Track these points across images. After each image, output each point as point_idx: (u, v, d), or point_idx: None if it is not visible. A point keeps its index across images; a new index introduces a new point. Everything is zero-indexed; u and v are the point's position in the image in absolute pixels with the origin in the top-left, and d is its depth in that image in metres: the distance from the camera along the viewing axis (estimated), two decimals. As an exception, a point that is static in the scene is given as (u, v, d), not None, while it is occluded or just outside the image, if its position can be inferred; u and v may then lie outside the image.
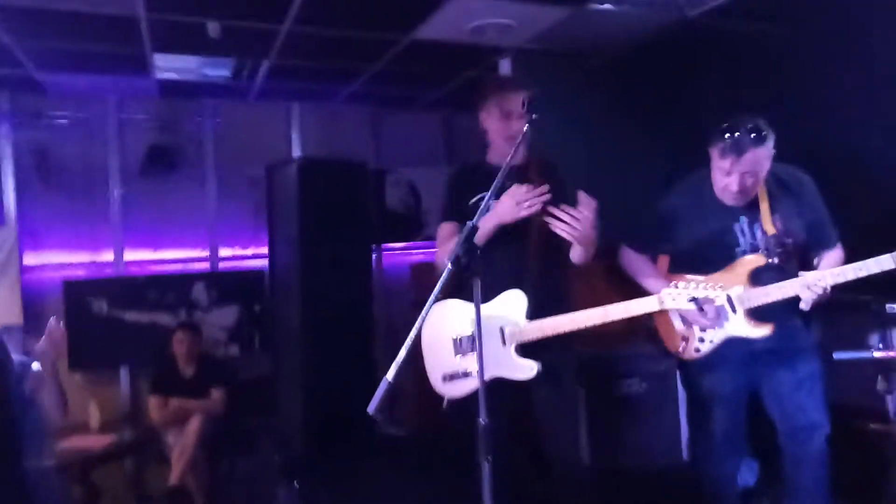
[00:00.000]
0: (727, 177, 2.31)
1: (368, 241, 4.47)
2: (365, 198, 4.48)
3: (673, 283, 2.28)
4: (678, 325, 2.55)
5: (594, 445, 3.00)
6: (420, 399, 2.06)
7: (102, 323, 4.58)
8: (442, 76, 4.50)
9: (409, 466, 3.47)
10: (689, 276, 2.49)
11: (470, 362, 2.39)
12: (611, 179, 3.91)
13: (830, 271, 2.25)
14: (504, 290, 2.35)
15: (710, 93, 3.68)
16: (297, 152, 5.20)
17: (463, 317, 2.39)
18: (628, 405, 3.12)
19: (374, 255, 5.02)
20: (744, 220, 2.40)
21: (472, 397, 2.37)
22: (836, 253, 2.42)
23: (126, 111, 4.78)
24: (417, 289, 4.63)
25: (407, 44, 3.76)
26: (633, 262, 2.65)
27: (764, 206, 2.38)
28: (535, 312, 2.35)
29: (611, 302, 3.58)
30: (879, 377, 2.60)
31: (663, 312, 2.61)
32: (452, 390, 2.44)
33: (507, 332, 2.34)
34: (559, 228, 2.26)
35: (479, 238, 2.19)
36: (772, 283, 2.32)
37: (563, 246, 2.44)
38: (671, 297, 2.24)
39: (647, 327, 2.73)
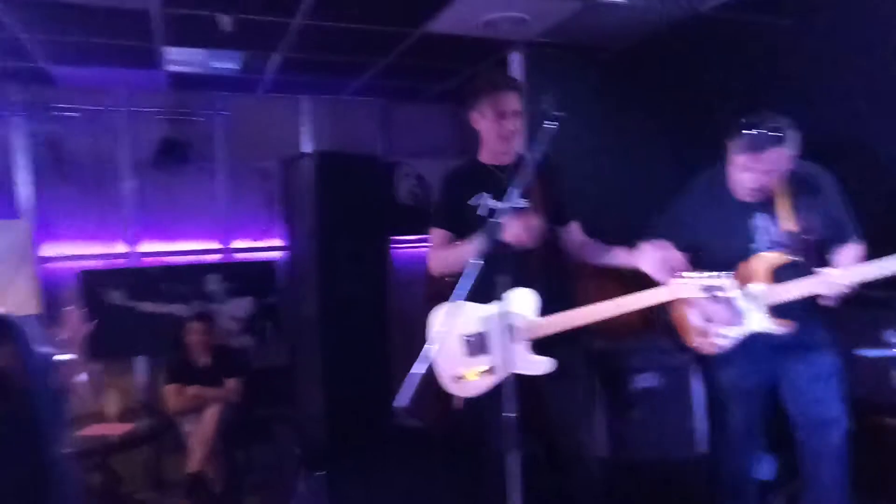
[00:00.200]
0: (744, 173, 2.29)
1: (384, 234, 4.49)
2: (380, 191, 4.50)
3: (682, 273, 2.25)
4: (696, 320, 2.56)
5: (608, 439, 3.02)
6: (436, 392, 2.07)
7: (118, 313, 4.63)
8: (452, 69, 4.48)
9: (425, 458, 3.51)
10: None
11: (483, 361, 2.41)
12: (620, 174, 3.92)
13: (853, 269, 2.23)
14: (512, 288, 2.31)
15: (721, 87, 3.65)
16: (306, 145, 5.21)
17: (471, 316, 2.39)
18: (643, 399, 3.13)
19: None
20: (762, 217, 2.39)
21: (485, 395, 2.42)
22: (855, 248, 2.39)
23: (137, 104, 4.79)
24: (430, 282, 4.64)
25: (418, 37, 3.74)
26: None
27: (783, 203, 2.36)
28: (544, 309, 2.36)
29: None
30: (894, 372, 2.60)
31: (681, 308, 2.62)
32: (464, 390, 2.45)
33: (518, 329, 2.35)
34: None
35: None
36: (791, 280, 2.31)
37: (568, 234, 2.50)
38: (683, 286, 2.21)
39: (664, 322, 2.73)
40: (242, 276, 4.96)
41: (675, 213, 2.58)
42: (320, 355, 4.08)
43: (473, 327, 2.41)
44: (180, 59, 4.07)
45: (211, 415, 3.89)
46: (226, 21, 3.22)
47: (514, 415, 1.82)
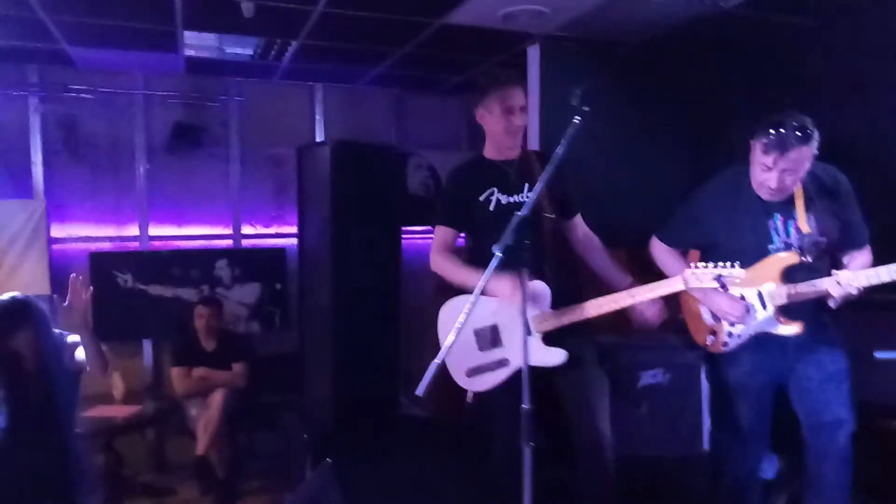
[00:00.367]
0: (767, 172, 2.29)
1: (397, 224, 4.51)
2: (395, 181, 4.53)
3: (694, 264, 2.24)
4: (707, 318, 2.57)
5: (613, 434, 3.03)
6: (443, 383, 2.08)
7: (127, 296, 4.66)
8: (469, 61, 4.48)
9: (432, 447, 3.53)
10: None
11: (498, 354, 2.42)
12: (634, 169, 3.93)
13: (865, 272, 2.24)
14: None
15: (738, 86, 3.65)
16: (320, 133, 5.22)
17: (481, 310, 2.38)
18: (650, 395, 3.14)
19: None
20: (778, 217, 2.39)
21: (496, 389, 2.43)
22: (865, 254, 2.42)
23: (153, 87, 4.81)
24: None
25: (437, 28, 3.75)
26: (663, 253, 2.65)
27: (800, 205, 2.37)
28: (556, 302, 2.37)
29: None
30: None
31: (692, 304, 2.63)
32: (478, 384, 2.46)
33: (532, 320, 2.35)
34: None
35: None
36: (803, 281, 2.32)
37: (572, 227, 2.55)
38: (695, 276, 2.20)
39: (674, 319, 2.74)
40: (252, 263, 4.98)
41: (694, 208, 2.58)
42: (331, 343, 4.10)
43: (485, 321, 2.42)
44: (199, 43, 4.08)
45: (216, 399, 3.91)
46: (249, 7, 3.23)
47: (529, 406, 1.83)
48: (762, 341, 2.44)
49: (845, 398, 2.44)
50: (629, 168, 3.86)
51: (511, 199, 2.47)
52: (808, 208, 2.37)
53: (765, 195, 2.39)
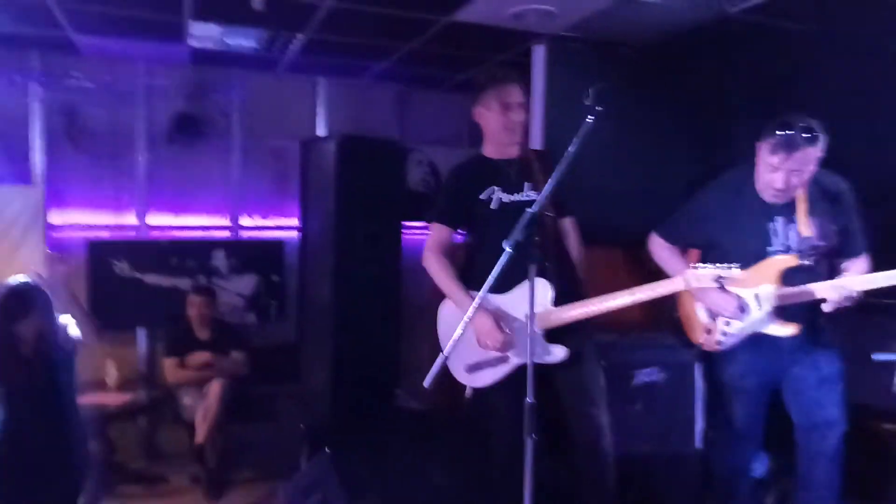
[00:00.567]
0: (773, 173, 2.33)
1: (399, 219, 4.54)
2: (398, 176, 4.55)
3: (694, 265, 2.29)
4: (703, 316, 2.61)
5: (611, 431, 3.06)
6: (440, 377, 2.09)
7: (123, 284, 4.64)
8: (474, 59, 4.50)
9: (429, 440, 3.55)
10: None
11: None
12: (637, 170, 3.97)
13: (861, 277, 2.29)
14: (516, 281, 2.33)
15: (745, 89, 3.70)
16: (321, 127, 5.23)
17: (484, 307, 2.39)
18: (645, 393, 3.18)
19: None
20: (779, 220, 2.43)
21: (495, 385, 2.46)
22: (863, 261, 2.45)
23: (155, 77, 4.80)
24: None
25: (444, 25, 3.77)
26: (662, 250, 2.68)
27: (801, 208, 2.41)
28: (557, 299, 2.39)
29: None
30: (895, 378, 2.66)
31: (688, 303, 2.66)
32: (477, 380, 2.48)
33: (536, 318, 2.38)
34: None
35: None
36: (801, 284, 2.36)
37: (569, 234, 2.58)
38: (695, 277, 2.25)
39: (671, 317, 2.78)
40: (249, 254, 4.98)
41: (696, 206, 2.62)
42: (331, 335, 4.12)
43: None
44: (205, 34, 4.07)
45: (215, 389, 3.91)
46: (259, 0, 3.24)
47: (532, 401, 1.86)
48: (758, 342, 2.48)
49: (838, 399, 2.49)
50: (631, 169, 3.90)
51: (512, 198, 2.49)
52: (809, 212, 2.41)
53: (769, 197, 2.43)
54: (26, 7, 3.60)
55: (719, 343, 2.56)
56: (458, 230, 2.58)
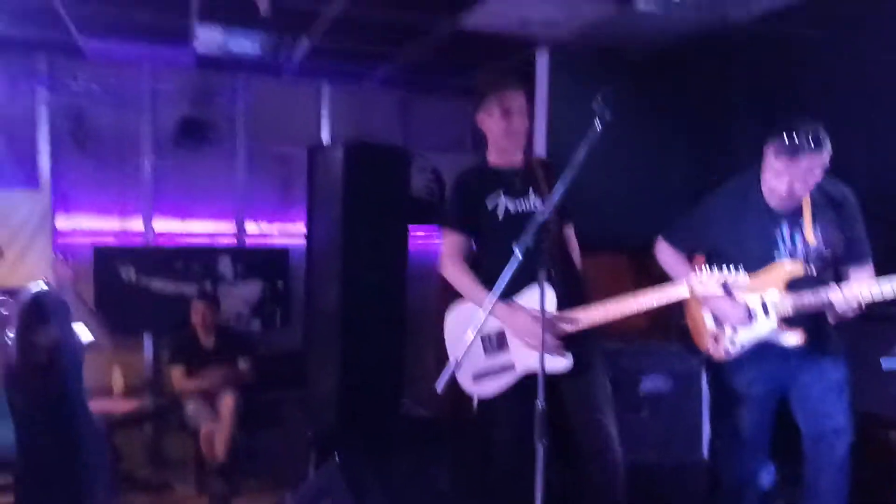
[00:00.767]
0: (779, 178, 2.32)
1: (405, 225, 4.54)
2: (403, 182, 4.55)
3: (699, 269, 2.24)
4: (710, 323, 2.60)
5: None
6: (447, 384, 2.09)
7: (129, 290, 4.66)
8: (476, 65, 4.51)
9: (432, 447, 3.56)
10: None
11: (505, 357, 2.43)
12: (638, 177, 3.97)
13: (868, 285, 2.28)
14: (524, 286, 2.32)
15: (746, 97, 3.70)
16: (326, 132, 5.25)
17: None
18: (651, 401, 3.17)
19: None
20: (785, 226, 2.43)
21: (500, 394, 2.45)
22: (867, 269, 2.45)
23: (161, 81, 4.82)
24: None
25: (449, 31, 3.78)
26: (668, 255, 2.67)
27: (807, 215, 2.40)
28: (560, 306, 2.37)
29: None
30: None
31: (696, 310, 2.66)
32: (484, 389, 2.47)
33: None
34: None
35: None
36: (807, 291, 2.35)
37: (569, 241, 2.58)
38: (700, 282, 2.21)
39: (678, 325, 2.77)
40: (255, 261, 5.00)
41: (704, 212, 2.61)
42: (337, 341, 4.12)
43: (492, 325, 2.43)
44: (211, 39, 4.09)
45: (228, 405, 3.91)
46: (265, 4, 3.25)
47: (543, 405, 1.85)
48: (764, 350, 2.47)
49: (845, 408, 2.48)
50: (635, 175, 3.90)
51: (517, 205, 2.48)
52: (814, 219, 2.40)
53: (775, 202, 2.42)
54: (33, 11, 3.63)
55: (727, 351, 2.55)
56: (471, 237, 2.57)
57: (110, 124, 4.73)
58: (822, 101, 3.18)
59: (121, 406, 4.25)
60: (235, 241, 5.07)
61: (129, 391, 4.48)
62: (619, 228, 3.52)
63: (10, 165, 4.48)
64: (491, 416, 2.55)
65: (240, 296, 4.92)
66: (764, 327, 2.44)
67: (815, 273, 2.40)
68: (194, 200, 4.96)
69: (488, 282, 2.02)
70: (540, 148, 4.00)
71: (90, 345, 2.52)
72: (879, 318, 2.63)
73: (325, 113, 5.27)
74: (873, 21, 3.12)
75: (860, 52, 3.24)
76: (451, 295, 2.57)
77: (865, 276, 2.41)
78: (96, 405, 4.01)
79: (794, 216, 2.42)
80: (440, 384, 1.82)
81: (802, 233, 2.41)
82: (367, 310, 4.15)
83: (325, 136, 5.23)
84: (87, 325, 2.49)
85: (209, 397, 4.08)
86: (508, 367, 2.44)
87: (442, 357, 2.49)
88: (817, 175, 2.32)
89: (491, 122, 2.49)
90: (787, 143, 2.26)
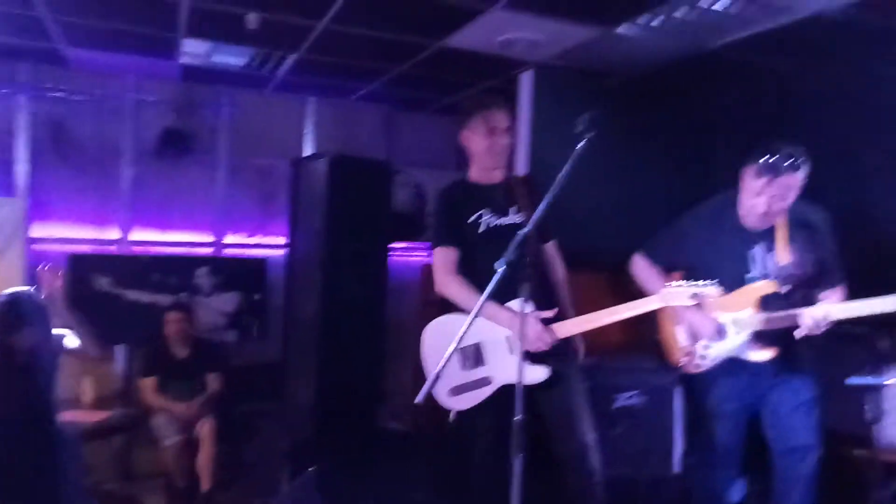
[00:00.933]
0: (756, 197, 2.39)
1: (386, 239, 4.57)
2: (386, 197, 4.59)
3: (672, 282, 2.30)
4: (682, 338, 2.66)
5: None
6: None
7: (104, 300, 4.58)
8: (462, 83, 4.59)
9: (408, 460, 3.55)
10: None
11: (480, 372, 2.46)
12: (617, 197, 4.06)
13: (838, 306, 2.34)
14: (506, 300, 2.34)
15: (722, 120, 3.82)
16: (309, 146, 5.27)
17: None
18: (624, 417, 3.21)
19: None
20: (759, 247, 2.49)
21: (477, 407, 2.47)
22: (838, 292, 2.50)
23: (144, 92, 4.81)
24: (426, 289, 4.73)
25: (435, 50, 3.85)
26: (644, 270, 2.71)
27: (781, 236, 2.47)
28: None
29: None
30: (867, 406, 2.72)
31: (669, 325, 2.72)
32: (461, 402, 2.49)
33: (513, 338, 2.40)
34: None
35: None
36: (778, 310, 2.42)
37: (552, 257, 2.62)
38: (672, 294, 2.25)
39: (651, 339, 2.82)
40: (232, 272, 4.96)
41: (681, 230, 2.67)
42: (315, 354, 4.11)
43: (468, 339, 2.44)
44: (196, 51, 4.11)
45: (209, 429, 3.86)
46: (253, 19, 3.28)
47: (521, 418, 1.88)
48: (736, 368, 2.54)
49: (814, 425, 2.54)
50: (614, 195, 3.98)
51: (500, 221, 2.53)
52: (788, 241, 2.47)
53: (751, 222, 2.49)
54: (17, 19, 3.61)
55: (698, 366, 2.61)
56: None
57: (91, 133, 4.71)
58: (795, 125, 3.30)
59: (90, 417, 4.16)
60: (213, 251, 5.04)
61: (100, 402, 4.40)
62: (598, 247, 3.58)
63: (-14, 172, 4.43)
64: (469, 429, 2.57)
65: (216, 307, 4.88)
66: (735, 343, 2.51)
67: (787, 293, 2.47)
68: (173, 211, 4.94)
69: None
70: (522, 166, 4.07)
71: (75, 350, 2.49)
72: (847, 338, 2.72)
73: (309, 127, 5.29)
74: (842, 48, 3.26)
75: (830, 79, 3.37)
76: (430, 309, 2.59)
77: (838, 298, 2.46)
78: (65, 416, 3.96)
79: (768, 237, 2.49)
80: (421, 396, 1.83)
81: (775, 254, 2.48)
82: (346, 322, 4.15)
83: (309, 150, 5.25)
84: (75, 331, 2.46)
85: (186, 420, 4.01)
86: (486, 381, 2.46)
87: (420, 371, 2.51)
88: (793, 195, 2.39)
89: (475, 139, 2.55)
90: (765, 163, 2.34)
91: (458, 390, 2.49)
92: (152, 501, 4.00)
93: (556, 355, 2.41)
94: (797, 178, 2.36)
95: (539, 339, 2.33)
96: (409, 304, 4.98)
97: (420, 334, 2.61)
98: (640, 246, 2.77)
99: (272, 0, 3.25)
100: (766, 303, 2.46)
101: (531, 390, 2.38)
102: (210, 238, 5.05)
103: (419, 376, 2.49)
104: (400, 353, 4.71)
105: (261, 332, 4.98)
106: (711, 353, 2.56)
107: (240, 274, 4.98)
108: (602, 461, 2.49)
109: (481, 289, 2.02)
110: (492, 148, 2.52)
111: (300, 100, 5.25)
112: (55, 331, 2.50)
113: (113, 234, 4.79)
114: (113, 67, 4.57)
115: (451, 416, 2.52)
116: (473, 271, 2.44)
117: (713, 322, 2.49)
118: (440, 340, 2.42)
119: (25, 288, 2.42)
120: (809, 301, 2.45)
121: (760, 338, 2.47)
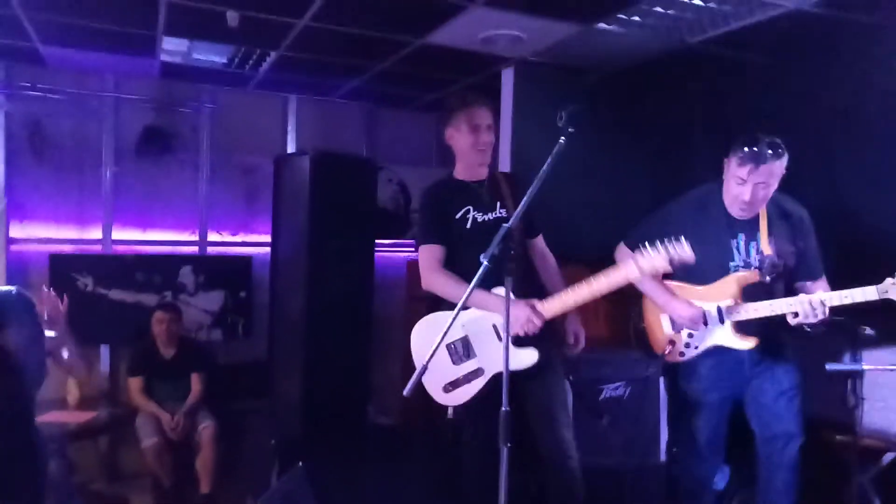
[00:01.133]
0: (741, 185, 2.43)
1: (371, 236, 4.58)
2: (370, 193, 4.59)
3: (642, 250, 2.26)
4: (666, 327, 2.70)
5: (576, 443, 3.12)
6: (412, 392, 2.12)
7: (86, 300, 4.55)
8: (444, 80, 4.60)
9: (397, 455, 3.57)
10: (677, 284, 2.65)
11: (472, 365, 2.49)
12: (598, 193, 4.09)
13: (821, 294, 2.36)
14: (489, 287, 2.37)
15: (703, 116, 3.87)
16: (291, 144, 5.25)
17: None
18: (612, 407, 3.25)
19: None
20: (742, 236, 2.54)
21: (473, 399, 2.50)
22: (821, 284, 2.56)
23: (124, 90, 4.76)
24: (411, 285, 4.75)
25: (417, 47, 3.85)
26: (627, 257, 2.74)
27: (763, 226, 2.52)
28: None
29: (602, 310, 3.74)
30: (848, 392, 2.78)
31: (653, 314, 2.75)
32: (456, 398, 2.51)
33: (501, 326, 2.40)
34: None
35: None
36: (760, 300, 2.47)
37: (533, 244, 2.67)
38: (645, 259, 2.23)
39: (635, 328, 2.86)
40: (216, 270, 4.95)
41: (665, 217, 2.68)
42: (302, 351, 4.11)
43: (455, 334, 2.48)
44: (177, 49, 4.08)
45: (208, 435, 3.87)
46: (233, 17, 3.27)
47: (507, 409, 1.90)
48: (720, 356, 2.58)
49: (796, 413, 2.60)
50: (596, 190, 4.01)
51: (486, 217, 2.56)
52: (770, 231, 2.52)
53: (736, 211, 2.53)
54: (-5, 17, 3.56)
55: (682, 354, 2.65)
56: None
57: (70, 133, 4.66)
58: (775, 120, 3.34)
59: (75, 417, 4.14)
60: (197, 250, 5.02)
61: (85, 403, 4.37)
62: (580, 242, 3.60)
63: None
64: (468, 422, 2.60)
65: (201, 306, 4.86)
66: (718, 332, 2.55)
67: (769, 283, 2.51)
68: (156, 210, 4.90)
69: None
70: (504, 162, 4.09)
71: (61, 362, 2.46)
72: (826, 325, 2.77)
73: (290, 124, 5.27)
74: (822, 45, 3.31)
75: (810, 75, 3.43)
76: (416, 304, 2.61)
77: (821, 289, 2.50)
78: (51, 417, 3.94)
79: (751, 227, 2.53)
80: (408, 389, 1.85)
81: (758, 244, 2.53)
82: (333, 319, 4.16)
83: (291, 148, 5.23)
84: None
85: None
86: (477, 373, 2.49)
87: (408, 366, 2.53)
88: (776, 183, 2.43)
89: (459, 137, 2.58)
90: (748, 151, 2.38)
91: (452, 386, 2.51)
92: (139, 501, 4.00)
93: (543, 339, 2.44)
94: (780, 166, 2.40)
95: (529, 320, 2.35)
96: (395, 300, 5.00)
97: (406, 330, 2.63)
98: (620, 239, 2.81)
99: (252, -2, 3.24)
100: (749, 292, 2.51)
101: (518, 379, 2.42)
102: (194, 237, 5.02)
103: (407, 371, 2.49)
104: (387, 348, 4.73)
105: (246, 330, 4.97)
106: (695, 342, 2.60)
107: (224, 272, 4.97)
108: (589, 452, 2.53)
109: (469, 282, 2.04)
110: (475, 144, 2.55)
111: (282, 97, 5.23)
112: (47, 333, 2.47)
113: (95, 233, 4.75)
114: (91, 66, 4.52)
115: (449, 412, 2.54)
116: (461, 268, 2.47)
117: (698, 311, 2.53)
118: (429, 337, 2.41)
119: (8, 287, 2.38)
120: (791, 292, 2.50)
121: (743, 326, 2.52)
